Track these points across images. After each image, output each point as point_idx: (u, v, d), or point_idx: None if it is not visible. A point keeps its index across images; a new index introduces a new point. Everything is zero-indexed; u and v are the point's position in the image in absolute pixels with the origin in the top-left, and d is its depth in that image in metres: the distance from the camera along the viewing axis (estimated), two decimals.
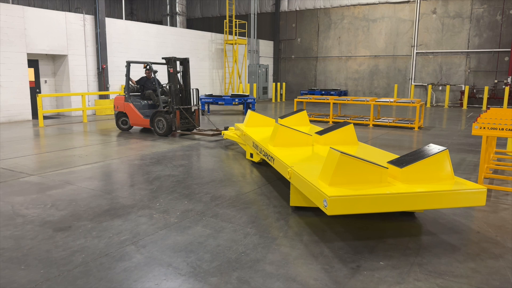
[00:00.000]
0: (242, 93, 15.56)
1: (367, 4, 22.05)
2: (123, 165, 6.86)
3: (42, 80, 14.03)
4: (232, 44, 20.55)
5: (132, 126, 10.57)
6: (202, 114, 14.86)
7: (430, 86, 20.04)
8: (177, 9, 20.86)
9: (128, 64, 10.41)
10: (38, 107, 11.36)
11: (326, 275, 3.21)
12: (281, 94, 24.69)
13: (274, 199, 5.11)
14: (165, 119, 9.72)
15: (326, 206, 3.44)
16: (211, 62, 20.16)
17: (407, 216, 4.55)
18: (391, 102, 11.97)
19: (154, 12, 30.04)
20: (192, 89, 10.20)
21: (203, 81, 19.80)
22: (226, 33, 20.72)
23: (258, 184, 5.77)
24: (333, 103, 12.91)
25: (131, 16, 31.10)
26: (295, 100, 13.61)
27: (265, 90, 23.73)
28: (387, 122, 12.08)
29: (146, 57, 16.57)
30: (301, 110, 7.88)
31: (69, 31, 13.77)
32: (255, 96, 20.70)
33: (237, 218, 4.43)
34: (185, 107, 9.89)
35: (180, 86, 9.85)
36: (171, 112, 9.69)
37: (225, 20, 21.01)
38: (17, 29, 12.26)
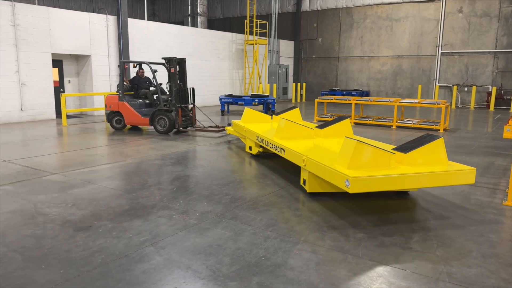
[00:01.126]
0: (261, 94, 15.48)
1: (391, 3, 21.66)
2: (144, 165, 6.86)
3: (66, 80, 14.27)
4: (253, 44, 20.50)
5: (126, 125, 10.60)
6: (222, 114, 14.85)
7: (455, 87, 19.51)
8: (198, 9, 20.95)
9: (122, 63, 10.41)
10: (61, 106, 11.55)
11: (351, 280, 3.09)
12: (301, 95, 24.50)
13: (295, 202, 5.00)
14: (167, 117, 9.96)
15: (348, 186, 4.08)
16: (231, 62, 20.16)
17: (404, 194, 5.36)
18: (415, 103, 11.68)
19: (175, 12, 30.27)
20: (189, 88, 10.37)
21: (223, 81, 19.81)
22: (246, 33, 20.68)
23: (279, 185, 5.68)
24: (355, 104, 12.69)
25: (153, 17, 31.44)
26: (316, 100, 13.44)
27: (285, 90, 23.58)
28: (411, 123, 11.79)
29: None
30: (295, 107, 8.42)
31: (92, 32, 13.96)
32: (275, 96, 20.60)
33: (257, 220, 4.34)
34: (184, 105, 10.11)
35: (179, 85, 10.07)
36: (171, 110, 9.93)
37: (245, 20, 20.98)
38: (42, 30, 12.50)
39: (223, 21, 28.03)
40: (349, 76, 23.94)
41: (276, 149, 6.11)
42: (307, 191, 5.17)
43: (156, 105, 10.46)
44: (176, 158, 7.41)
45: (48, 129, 10.85)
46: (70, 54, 13.89)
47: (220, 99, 14.85)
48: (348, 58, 23.77)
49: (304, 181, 5.24)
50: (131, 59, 15.16)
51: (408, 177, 4.27)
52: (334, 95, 22.50)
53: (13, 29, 11.80)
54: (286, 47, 24.48)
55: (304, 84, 22.84)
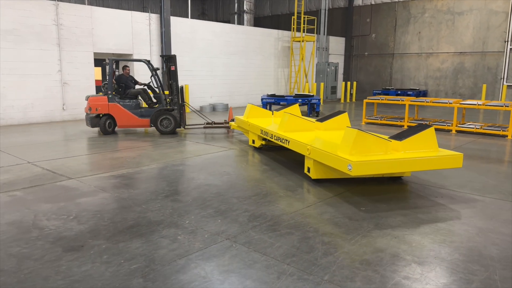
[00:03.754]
0: (306, 93, 14.61)
1: None
2: (166, 171, 6.35)
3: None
4: (300, 41, 19.63)
5: (115, 128, 9.89)
6: None
7: None
8: (244, 7, 20.42)
9: (111, 61, 9.58)
10: None
11: None
12: (351, 94, 23.24)
13: (324, 223, 4.20)
14: (172, 116, 9.69)
15: (350, 169, 4.60)
16: (276, 60, 19.43)
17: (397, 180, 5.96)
18: (478, 105, 10.30)
19: (224, 11, 30.05)
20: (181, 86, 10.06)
21: (268, 80, 19.13)
22: (293, 30, 19.85)
23: (308, 201, 4.90)
24: (409, 104, 11.48)
25: (202, 16, 31.45)
26: (364, 101, 12.37)
27: (333, 89, 22.46)
28: (473, 128, 10.42)
29: (210, 55, 16.29)
30: (293, 104, 8.82)
31: (135, 31, 13.84)
32: (322, 96, 19.60)
33: (274, 248, 3.61)
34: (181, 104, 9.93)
35: (171, 83, 9.82)
36: (173, 109, 9.69)
37: (292, 17, 20.14)
38: (84, 29, 12.51)
39: (271, 18, 27.36)
40: (405, 75, 22.34)
41: (281, 141, 6.61)
42: (312, 177, 5.65)
43: (150, 105, 10.05)
44: (200, 164, 6.84)
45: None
46: (113, 54, 13.86)
47: (262, 99, 14.18)
48: (404, 55, 22.18)
49: (309, 169, 5.71)
50: None
51: (403, 161, 4.81)
52: (388, 94, 21.06)
53: (56, 29, 11.88)
54: (336, 44, 23.33)
55: (354, 83, 21.60)
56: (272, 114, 8.99)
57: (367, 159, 4.64)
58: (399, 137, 5.24)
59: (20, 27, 11.19)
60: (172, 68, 9.80)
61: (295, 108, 8.66)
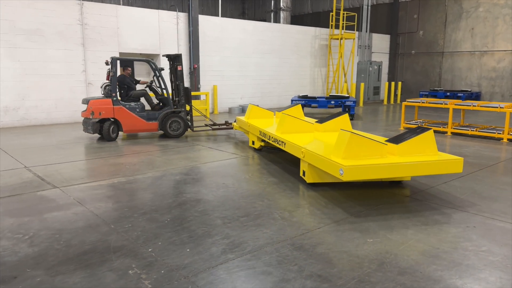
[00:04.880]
0: (340, 94, 13.59)
1: None
2: (161, 181, 5.75)
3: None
4: (338, 39, 18.52)
5: (118, 134, 9.05)
6: None
7: None
8: (281, 4, 19.60)
9: (115, 60, 8.81)
10: None
11: None
12: (396, 95, 21.73)
13: (314, 260, 3.37)
14: (182, 119, 9.23)
15: (342, 174, 4.34)
16: (313, 59, 18.44)
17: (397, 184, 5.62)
18: None
19: (262, 10, 29.39)
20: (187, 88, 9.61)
21: (303, 80, 18.20)
22: (332, 27, 18.76)
23: (305, 227, 4.07)
24: (453, 108, 10.17)
25: (242, 15, 30.99)
26: (403, 104, 11.18)
27: (376, 90, 21.09)
28: None
29: (241, 55, 15.65)
30: (296, 104, 8.56)
31: (162, 30, 13.50)
32: (362, 97, 18.36)
33: None
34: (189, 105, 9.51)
35: (177, 84, 9.33)
36: (180, 111, 9.23)
37: (331, 13, 19.05)
38: (109, 28, 12.31)
39: (312, 16, 26.32)
40: (456, 75, 20.52)
41: (277, 143, 6.39)
42: (307, 181, 5.45)
43: (154, 107, 9.45)
44: (203, 173, 6.17)
45: None
46: (140, 53, 13.60)
47: (292, 101, 13.34)
48: (454, 54, 20.38)
49: (304, 172, 5.52)
50: (202, 58, 14.44)
51: (398, 166, 4.54)
52: (436, 96, 19.40)
53: (81, 28, 11.75)
54: (380, 42, 21.90)
55: (399, 84, 20.11)
56: (274, 115, 8.83)
57: (359, 164, 4.42)
58: (396, 140, 5.01)
59: (43, 27, 11.13)
60: (179, 68, 9.24)
61: (297, 109, 8.37)
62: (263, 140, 7.68)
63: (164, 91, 9.30)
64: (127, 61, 9.64)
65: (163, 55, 9.48)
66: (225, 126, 10.12)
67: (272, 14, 20.21)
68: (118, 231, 3.98)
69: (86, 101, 8.90)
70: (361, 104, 18.31)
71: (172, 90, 9.68)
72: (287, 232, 3.95)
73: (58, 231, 3.96)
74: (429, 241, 3.76)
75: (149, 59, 9.22)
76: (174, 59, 9.40)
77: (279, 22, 19.22)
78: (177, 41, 13.88)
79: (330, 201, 4.89)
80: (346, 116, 7.03)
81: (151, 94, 9.85)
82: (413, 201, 4.92)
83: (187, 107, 9.59)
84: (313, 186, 5.52)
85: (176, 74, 9.40)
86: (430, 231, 3.99)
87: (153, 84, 9.55)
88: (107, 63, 8.83)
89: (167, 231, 3.96)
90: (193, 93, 13.07)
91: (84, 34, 11.82)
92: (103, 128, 8.80)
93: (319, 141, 5.92)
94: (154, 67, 9.19)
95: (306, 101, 13.25)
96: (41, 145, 8.39)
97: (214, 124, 10.18)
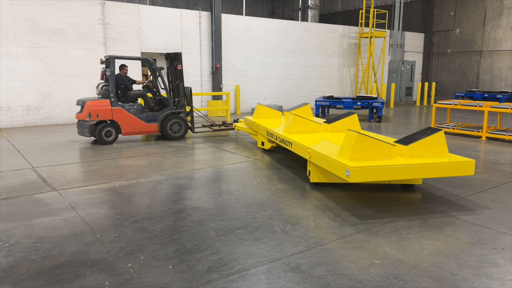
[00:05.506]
0: (368, 95, 12.96)
1: None
2: (163, 185, 5.46)
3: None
4: (368, 37, 17.78)
5: (116, 138, 8.49)
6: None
7: None
8: (309, 2, 19.07)
9: (113, 59, 8.29)
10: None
11: None
12: (429, 96, 20.69)
13: (310, 284, 2.94)
14: (183, 120, 8.92)
15: (348, 175, 4.25)
16: (341, 59, 17.80)
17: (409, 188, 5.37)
18: None
19: (290, 8, 28.87)
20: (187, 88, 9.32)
21: (330, 80, 17.59)
22: (361, 25, 18.04)
23: (306, 243, 3.64)
24: (490, 111, 9.37)
25: (272, 15, 30.60)
26: (434, 105, 10.45)
27: (408, 91, 20.15)
28: None
29: (265, 55, 15.27)
30: (305, 104, 8.35)
31: (184, 29, 13.32)
32: (392, 98, 17.54)
33: None
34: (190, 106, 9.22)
35: (177, 84, 8.98)
36: (180, 112, 8.90)
37: (360, 10, 18.33)
38: (131, 28, 12.24)
39: (342, 14, 25.57)
40: (495, 75, 19.30)
41: (284, 143, 6.29)
42: (310, 181, 5.43)
43: (152, 108, 9.04)
44: (209, 177, 5.84)
45: None
46: (162, 53, 13.47)
47: (316, 102, 12.83)
48: (494, 53, 19.17)
49: (309, 172, 5.45)
50: (224, 57, 14.17)
51: (407, 168, 4.37)
52: (472, 97, 18.30)
53: (102, 28, 11.73)
54: (414, 40, 20.93)
55: (433, 84, 19.11)
56: (283, 114, 8.57)
57: (366, 165, 4.27)
58: (405, 141, 4.85)
59: (65, 27, 11.18)
60: (179, 67, 8.87)
61: (305, 109, 8.24)
62: (271, 140, 7.49)
63: (164, 91, 8.98)
64: (124, 60, 9.29)
65: (160, 54, 9.21)
66: (224, 127, 9.72)
67: (299, 12, 19.73)
68: (102, 241, 3.69)
69: (81, 102, 8.39)
70: (391, 105, 17.51)
71: (171, 90, 9.24)
72: (284, 249, 3.54)
73: (40, 240, 3.72)
74: (446, 265, 3.25)
75: (148, 58, 8.79)
76: (174, 58, 9.00)
77: (307, 21, 18.70)
78: (199, 40, 13.67)
79: (340, 213, 4.43)
80: (355, 117, 6.80)
81: (149, 95, 9.44)
82: (434, 214, 4.38)
83: (187, 108, 9.26)
84: (318, 186, 5.50)
85: (175, 74, 9.00)
86: (449, 253, 3.47)
87: (151, 84, 9.18)
88: (102, 62, 8.49)
89: (154, 243, 3.64)
90: (214, 93, 12.82)
91: (105, 33, 11.80)
92: (96, 131, 8.28)
93: (326, 142, 5.76)
94: (153, 66, 8.83)
95: (331, 102, 12.70)
96: (56, 145, 8.33)
97: (213, 125, 9.78)
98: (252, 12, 28.07)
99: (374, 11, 17.66)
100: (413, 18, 21.91)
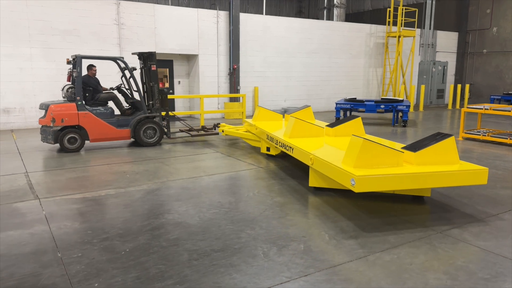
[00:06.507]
0: (392, 98, 12.19)
1: None
2: (151, 195, 5.07)
3: (176, 80, 13.71)
4: (396, 37, 16.89)
5: (82, 145, 7.80)
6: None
7: None
8: (334, 1, 18.37)
9: (79, 59, 7.60)
10: None
11: None
12: (462, 99, 19.50)
13: None
14: (158, 125, 8.31)
15: (353, 185, 3.97)
16: (367, 59, 17.00)
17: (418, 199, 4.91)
18: None
19: (318, 7, 28.13)
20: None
21: (356, 81, 16.83)
22: (389, 24, 17.18)
23: (286, 274, 3.13)
24: None
25: (299, 14, 29.97)
26: (463, 110, 9.61)
27: (440, 93, 19.07)
28: None
29: (285, 55, 14.73)
30: (306, 106, 8.13)
31: (201, 29, 13.00)
32: (422, 101, 16.58)
33: None
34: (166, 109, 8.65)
35: (151, 86, 8.36)
36: (154, 116, 8.31)
37: (388, 9, 17.45)
38: (146, 29, 12.02)
39: (371, 13, 24.62)
40: None
41: (285, 148, 6.02)
42: (309, 185, 5.26)
43: (124, 112, 8.46)
44: (204, 187, 5.40)
45: None
46: (180, 54, 13.23)
47: (336, 104, 12.18)
48: None
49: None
50: (243, 58, 13.75)
51: (416, 176, 4.10)
52: (510, 101, 17.05)
53: (117, 28, 11.57)
54: (446, 40, 19.80)
55: (467, 86, 17.99)
56: (283, 117, 8.41)
57: (372, 174, 4.01)
58: (414, 147, 4.59)
59: (80, 27, 11.08)
60: (153, 67, 8.23)
61: (307, 111, 7.98)
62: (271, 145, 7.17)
63: (137, 93, 8.30)
64: (92, 60, 8.62)
65: (132, 53, 8.64)
66: (203, 132, 9.09)
67: (324, 11, 19.08)
68: (62, 262, 3.32)
69: (45, 106, 7.69)
70: (421, 108, 16.56)
71: (144, 92, 8.67)
72: (260, 280, 3.04)
73: None
74: None
75: (118, 57, 8.11)
76: (147, 58, 8.33)
77: (332, 20, 18.01)
78: (216, 40, 13.31)
79: (337, 234, 3.88)
80: (358, 120, 6.52)
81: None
82: (445, 239, 3.74)
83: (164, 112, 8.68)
84: (320, 192, 5.27)
85: (149, 75, 8.35)
86: None
87: (122, 86, 8.58)
88: (68, 62, 7.79)
89: (116, 267, 3.23)
90: (231, 95, 12.43)
91: (120, 34, 11.63)
92: (58, 137, 7.57)
93: (329, 147, 5.54)
94: (124, 66, 8.12)
95: (353, 105, 12.01)
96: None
97: (191, 130, 9.13)
98: (279, 12, 27.55)
99: (403, 9, 16.77)
100: (446, 16, 20.74)
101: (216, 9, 13.27)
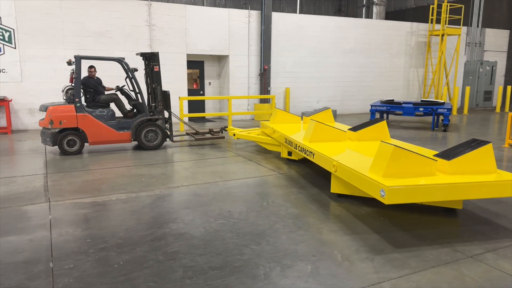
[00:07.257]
0: (433, 100, 11.44)
1: None
2: (160, 202, 4.88)
3: (206, 81, 13.61)
4: (439, 35, 15.93)
5: (82, 147, 7.65)
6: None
7: None
8: None
9: (78, 59, 7.43)
10: (179, 110, 10.69)
11: None
12: None
13: None
14: (159, 128, 8.04)
15: (383, 196, 3.65)
16: (407, 59, 16.15)
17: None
18: None
19: (357, 5, 27.25)
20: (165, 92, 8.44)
21: (395, 82, 16.03)
22: (431, 22, 16.23)
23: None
24: None
25: (338, 13, 29.22)
26: (510, 114, 8.79)
27: (487, 95, 17.84)
28: None
29: (319, 55, 14.25)
30: (326, 108, 7.92)
31: (232, 29, 12.80)
32: (467, 103, 15.53)
33: None
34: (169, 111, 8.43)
35: (154, 87, 8.12)
36: (157, 119, 8.07)
37: (431, 5, 16.48)
38: (177, 29, 11.97)
39: (415, 11, 23.48)
40: None
41: (305, 153, 5.72)
42: (331, 191, 5.04)
43: (126, 114, 8.20)
44: (217, 194, 5.14)
45: None
46: (211, 55, 13.10)
47: (371, 106, 11.59)
48: None
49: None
50: (274, 58, 13.43)
51: (452, 187, 3.76)
52: None
53: (148, 29, 11.59)
54: (496, 38, 18.48)
55: None
56: (302, 120, 8.21)
57: (405, 184, 3.70)
58: (447, 155, 4.27)
59: (112, 29, 11.18)
60: (156, 68, 7.97)
61: (327, 113, 7.74)
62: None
63: (138, 95, 8.10)
64: (93, 60, 8.45)
65: (136, 54, 8.44)
66: (210, 135, 8.79)
67: (363, 9, 18.37)
68: (51, 273, 3.16)
69: (44, 108, 7.54)
70: (465, 111, 15.52)
71: (148, 94, 8.44)
72: None
73: None
74: None
75: (120, 58, 7.91)
76: (150, 58, 8.08)
77: (372, 18, 17.29)
78: (247, 41, 13.07)
79: (352, 254, 3.49)
80: (383, 124, 6.20)
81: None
82: (476, 264, 3.26)
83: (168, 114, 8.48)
84: (342, 199, 5.03)
85: (152, 76, 8.10)
86: None
87: (125, 88, 8.41)
88: (69, 63, 7.52)
89: (104, 282, 3.03)
90: (259, 96, 12.15)
91: (151, 35, 11.65)
92: (57, 139, 7.44)
93: (352, 152, 5.26)
94: (126, 67, 7.95)
95: (389, 108, 11.38)
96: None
97: (197, 133, 8.84)
98: (317, 10, 26.95)
99: (447, 6, 15.79)
100: (496, 13, 19.37)
101: (248, 9, 13.03)
